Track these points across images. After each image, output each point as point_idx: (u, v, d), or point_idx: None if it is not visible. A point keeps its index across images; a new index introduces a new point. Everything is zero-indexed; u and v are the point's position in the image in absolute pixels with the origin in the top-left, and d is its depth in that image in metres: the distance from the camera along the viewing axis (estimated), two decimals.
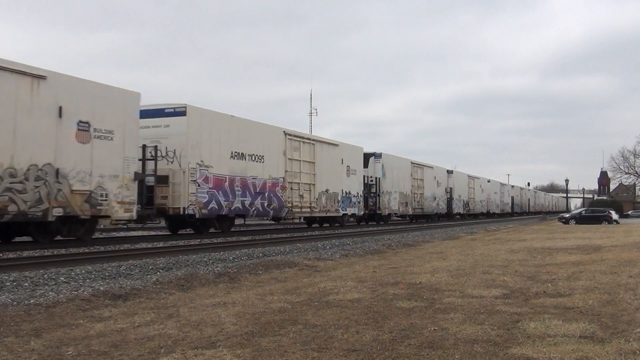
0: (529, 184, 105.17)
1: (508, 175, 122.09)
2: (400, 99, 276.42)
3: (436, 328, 5.41)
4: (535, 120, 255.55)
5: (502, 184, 68.97)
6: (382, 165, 33.39)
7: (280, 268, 10.71)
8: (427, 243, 19.13)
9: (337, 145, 28.10)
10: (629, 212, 69.27)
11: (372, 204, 32.55)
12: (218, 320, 5.86)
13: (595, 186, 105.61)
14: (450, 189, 47.13)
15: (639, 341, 4.80)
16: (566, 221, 42.98)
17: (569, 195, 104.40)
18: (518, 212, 76.91)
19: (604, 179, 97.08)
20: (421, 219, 41.81)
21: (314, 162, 25.69)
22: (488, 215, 59.73)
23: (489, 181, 60.94)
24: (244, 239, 18.38)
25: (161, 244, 15.70)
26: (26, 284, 8.04)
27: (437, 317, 5.95)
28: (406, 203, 36.88)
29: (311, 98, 66.74)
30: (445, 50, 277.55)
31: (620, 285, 8.10)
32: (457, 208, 49.21)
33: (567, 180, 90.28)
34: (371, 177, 32.46)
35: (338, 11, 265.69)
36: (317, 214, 26.36)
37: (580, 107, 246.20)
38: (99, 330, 5.48)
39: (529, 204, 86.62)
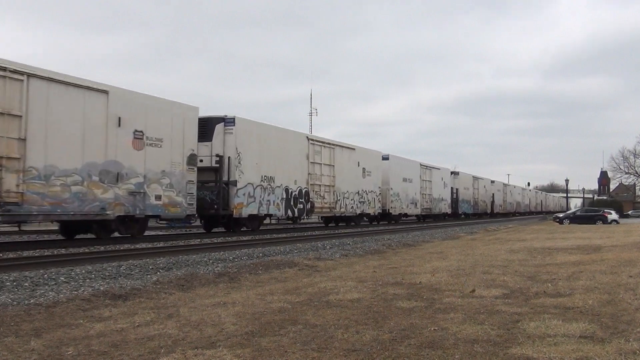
0: (529, 184, 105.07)
1: (508, 175, 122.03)
2: (402, 100, 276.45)
3: (436, 328, 5.41)
4: (536, 121, 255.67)
5: (429, 168, 41.51)
6: None
7: (280, 268, 10.70)
8: (427, 243, 19.13)
9: None
10: (629, 212, 69.28)
11: None
12: (218, 320, 5.85)
13: (596, 186, 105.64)
14: (227, 159, 20.24)
15: (639, 341, 4.80)
16: (560, 221, 43.03)
17: (569, 195, 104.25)
18: (469, 214, 52.59)
19: (604, 178, 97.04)
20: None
21: None
22: (386, 217, 34.61)
23: (386, 158, 33.72)
24: (244, 239, 18.38)
25: (161, 244, 15.70)
26: (26, 284, 8.03)
27: (437, 317, 5.95)
28: None
29: (311, 98, 66.68)
30: (447, 51, 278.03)
31: (620, 285, 8.10)
32: (266, 205, 22.06)
33: (567, 180, 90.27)
34: None
35: (341, 13, 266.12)
36: None
37: (580, 107, 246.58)
38: (99, 330, 5.48)
39: (492, 202, 60.41)
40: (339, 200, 27.89)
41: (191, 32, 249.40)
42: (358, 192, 29.93)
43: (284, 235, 21.11)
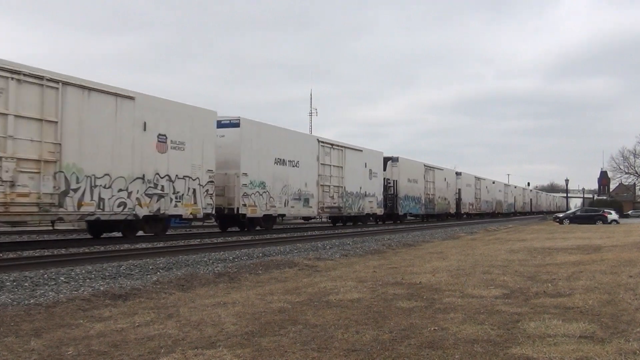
0: (529, 184, 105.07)
1: (508, 175, 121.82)
2: (404, 100, 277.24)
3: (436, 328, 5.41)
4: (537, 121, 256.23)
5: (337, 148, 28.31)
6: None
7: (280, 268, 10.70)
8: (427, 243, 19.13)
9: None
10: (629, 212, 69.31)
11: None
12: (218, 320, 5.85)
13: (596, 186, 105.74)
14: None
15: (639, 341, 4.80)
16: (560, 221, 43.07)
17: (569, 195, 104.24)
18: (419, 215, 40.56)
19: (604, 179, 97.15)
20: None
21: None
22: (237, 221, 22.49)
23: (233, 125, 20.97)
24: (244, 239, 18.37)
25: (161, 244, 15.69)
26: (26, 284, 8.03)
27: (437, 317, 5.95)
28: None
29: (311, 98, 66.42)
30: (449, 52, 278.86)
31: (620, 285, 8.10)
32: None
33: (567, 180, 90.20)
34: None
35: (343, 14, 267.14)
36: None
37: (581, 108, 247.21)
38: (99, 330, 5.48)
39: (458, 200, 47.90)
40: (74, 190, 14.26)
41: (193, 34, 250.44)
42: (144, 179, 16.53)
43: (284, 235, 21.12)
